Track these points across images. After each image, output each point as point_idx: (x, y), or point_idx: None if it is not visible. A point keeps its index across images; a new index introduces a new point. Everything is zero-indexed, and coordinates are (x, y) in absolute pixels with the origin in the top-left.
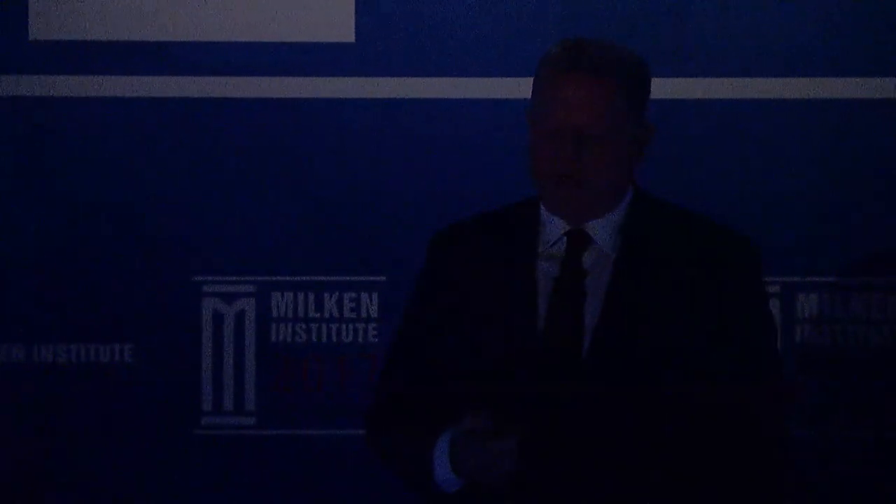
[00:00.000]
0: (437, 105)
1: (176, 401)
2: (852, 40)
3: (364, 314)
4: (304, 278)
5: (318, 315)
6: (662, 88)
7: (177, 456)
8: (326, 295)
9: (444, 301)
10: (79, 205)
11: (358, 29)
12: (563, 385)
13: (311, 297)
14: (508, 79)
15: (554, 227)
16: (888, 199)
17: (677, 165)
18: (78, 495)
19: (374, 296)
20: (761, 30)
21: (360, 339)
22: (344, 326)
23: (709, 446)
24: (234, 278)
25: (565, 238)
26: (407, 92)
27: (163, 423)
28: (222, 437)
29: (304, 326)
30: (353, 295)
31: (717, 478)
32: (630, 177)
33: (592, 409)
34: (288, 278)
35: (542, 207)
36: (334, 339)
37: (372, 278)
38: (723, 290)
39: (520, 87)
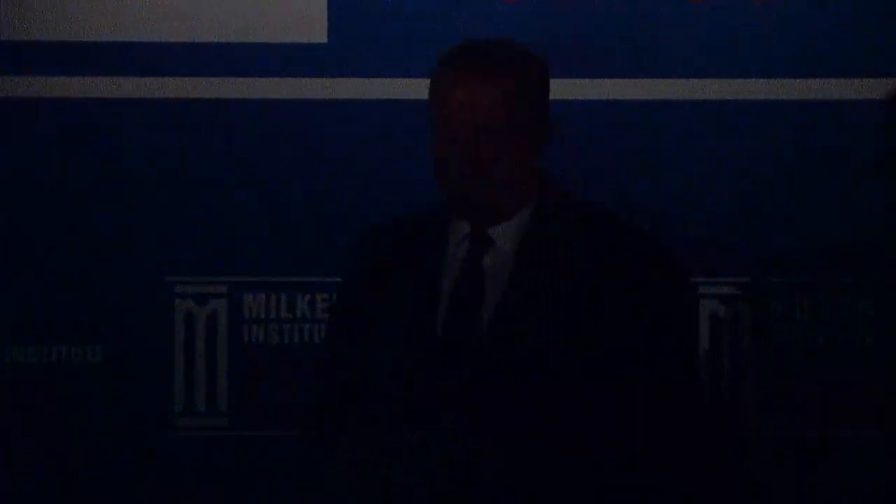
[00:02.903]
0: (408, 106)
1: (148, 402)
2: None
3: None
4: (276, 279)
5: (290, 316)
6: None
7: (149, 457)
8: (299, 295)
9: (357, 302)
10: (49, 206)
11: (330, 29)
12: (457, 387)
13: (284, 297)
14: None
15: (460, 229)
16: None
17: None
18: (50, 496)
19: None
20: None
21: None
22: (316, 327)
23: (602, 438)
24: (206, 279)
25: (468, 240)
26: (379, 93)
27: (135, 424)
28: (195, 438)
29: (276, 327)
30: (326, 296)
31: (611, 472)
32: (534, 175)
33: (484, 404)
34: (260, 279)
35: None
36: (307, 339)
37: None
38: (621, 288)
39: None
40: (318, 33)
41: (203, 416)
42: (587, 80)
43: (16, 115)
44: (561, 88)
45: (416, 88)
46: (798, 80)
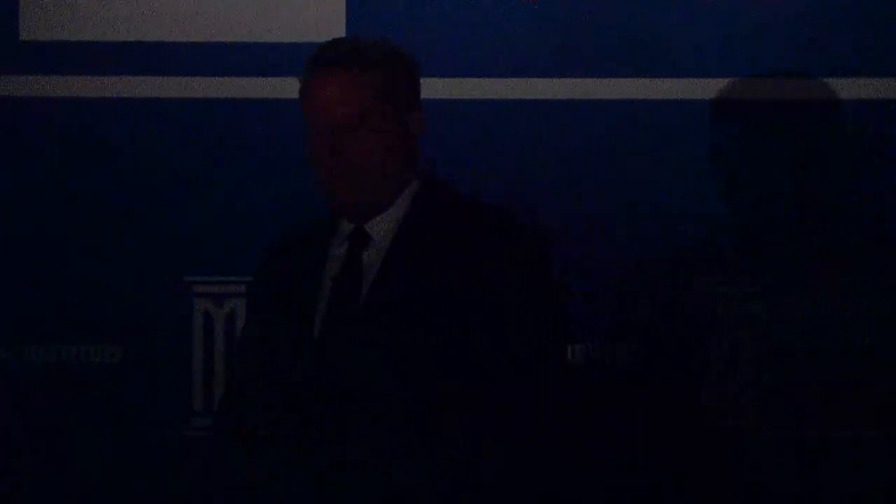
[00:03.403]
0: (427, 105)
1: (166, 401)
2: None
3: None
4: None
5: None
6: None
7: (167, 457)
8: None
9: (253, 307)
10: (69, 205)
11: (349, 29)
12: (327, 390)
13: None
14: (500, 79)
15: (343, 229)
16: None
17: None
18: (68, 496)
19: None
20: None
21: None
22: None
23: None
24: (224, 279)
25: (348, 239)
26: None
27: (153, 423)
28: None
29: None
30: None
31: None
32: (408, 170)
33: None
34: None
35: None
36: None
37: None
38: (468, 271)
39: (513, 88)
40: (336, 33)
41: None
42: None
43: (45, 115)
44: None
45: (435, 88)
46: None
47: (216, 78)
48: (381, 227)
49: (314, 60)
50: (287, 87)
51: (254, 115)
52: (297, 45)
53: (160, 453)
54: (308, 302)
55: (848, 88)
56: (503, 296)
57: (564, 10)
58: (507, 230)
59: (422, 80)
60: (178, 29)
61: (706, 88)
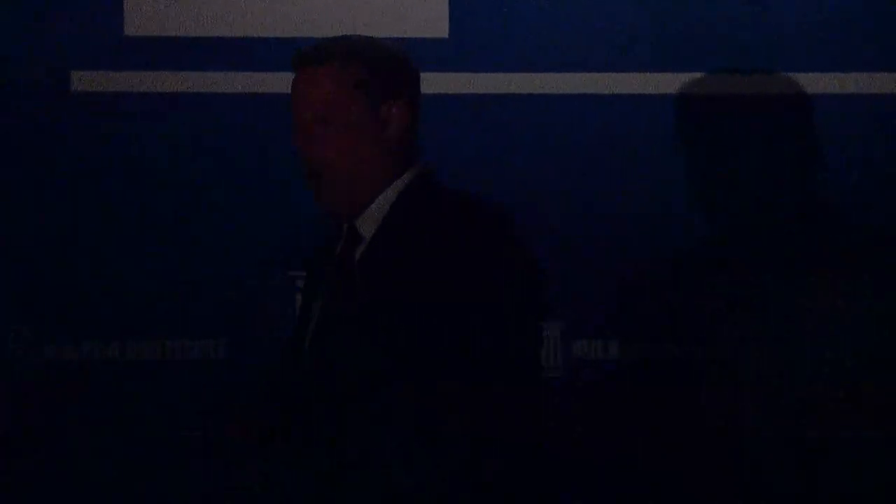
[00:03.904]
0: (530, 100)
1: None
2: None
3: None
4: None
5: None
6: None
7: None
8: None
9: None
10: (173, 199)
11: (452, 24)
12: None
13: None
14: (603, 74)
15: (344, 226)
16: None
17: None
18: (175, 491)
19: None
20: None
21: None
22: None
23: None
24: None
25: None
26: (499, 87)
27: None
28: None
29: None
30: None
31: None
32: (389, 164)
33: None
34: None
35: None
36: None
37: None
38: (447, 275)
39: (615, 82)
40: (439, 28)
41: None
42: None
43: (148, 110)
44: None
45: (538, 83)
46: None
47: None
48: (365, 221)
49: (293, 59)
50: None
51: None
52: (401, 42)
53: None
54: (312, 302)
55: None
56: (460, 295)
57: (663, 4)
58: (480, 227)
59: (518, 76)
60: (278, 25)
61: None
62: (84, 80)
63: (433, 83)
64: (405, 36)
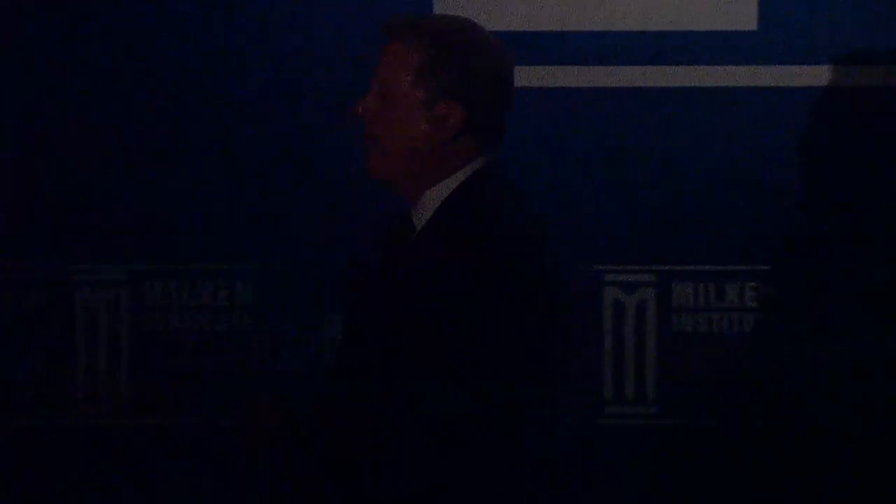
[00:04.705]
0: (838, 93)
1: (578, 391)
2: None
3: None
4: (706, 268)
5: (719, 304)
6: None
7: (580, 445)
8: (728, 284)
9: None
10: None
11: (760, 16)
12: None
13: (712, 285)
14: None
15: None
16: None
17: None
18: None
19: None
20: None
21: None
22: (745, 316)
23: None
24: (635, 267)
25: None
26: (809, 80)
27: (567, 413)
28: (624, 427)
29: (704, 316)
30: (753, 284)
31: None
32: (443, 161)
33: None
34: (690, 267)
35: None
36: (736, 328)
37: None
38: (431, 285)
39: None
40: (748, 20)
41: (630, 404)
42: None
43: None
44: None
45: (846, 75)
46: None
47: (631, 67)
48: (420, 217)
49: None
50: (706, 76)
51: (658, 103)
52: (706, 34)
53: (572, 441)
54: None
55: None
56: (477, 307)
57: None
58: (508, 243)
59: (842, 68)
60: (577, 19)
61: None
62: None
63: (740, 76)
64: (714, 29)
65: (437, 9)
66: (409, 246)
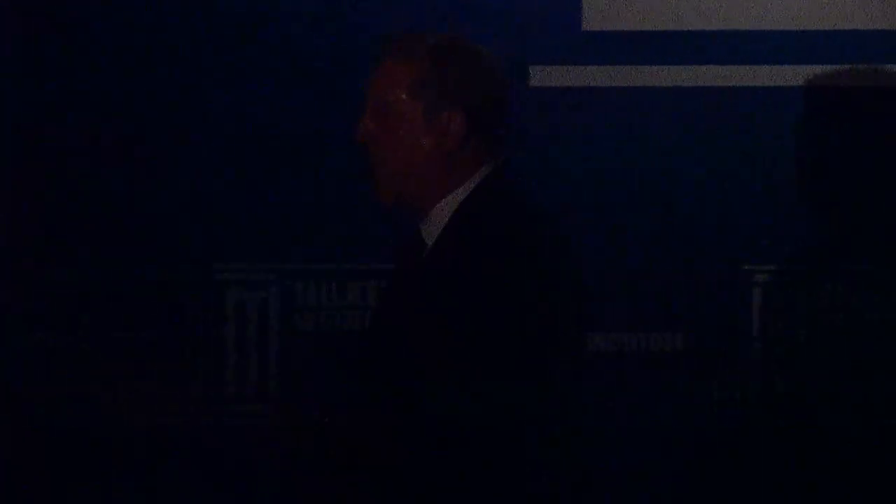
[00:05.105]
0: None
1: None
2: None
3: None
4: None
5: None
6: None
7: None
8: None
9: None
10: (625, 193)
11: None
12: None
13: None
14: None
15: None
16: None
17: None
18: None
19: None
20: None
21: None
22: None
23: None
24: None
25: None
26: None
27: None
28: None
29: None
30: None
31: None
32: (449, 173)
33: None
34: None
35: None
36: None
37: None
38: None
39: None
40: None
41: None
42: None
43: (607, 104)
44: None
45: None
46: None
47: (756, 67)
48: (431, 231)
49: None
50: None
51: (778, 103)
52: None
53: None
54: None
55: None
56: (496, 319)
57: None
58: (526, 250)
59: None
60: (736, 18)
61: None
62: (542, 75)
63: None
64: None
65: (586, 7)
66: (422, 259)
